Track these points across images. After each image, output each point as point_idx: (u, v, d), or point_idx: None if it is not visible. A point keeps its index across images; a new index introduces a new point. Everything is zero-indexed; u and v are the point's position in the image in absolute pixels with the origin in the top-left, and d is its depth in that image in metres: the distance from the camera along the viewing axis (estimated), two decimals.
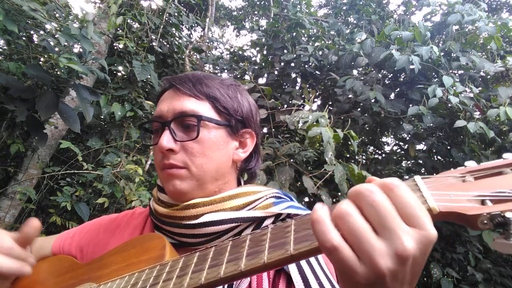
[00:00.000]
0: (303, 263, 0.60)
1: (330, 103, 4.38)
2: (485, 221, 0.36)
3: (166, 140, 0.69)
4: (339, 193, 3.04)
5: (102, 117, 3.50)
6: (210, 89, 0.75)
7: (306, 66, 4.26)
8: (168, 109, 0.72)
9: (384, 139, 4.70)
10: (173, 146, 0.69)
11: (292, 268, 0.59)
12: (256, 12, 8.54)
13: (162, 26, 3.87)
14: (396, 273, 0.35)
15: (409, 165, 4.08)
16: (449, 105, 3.12)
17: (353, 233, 0.36)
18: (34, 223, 0.69)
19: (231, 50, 6.07)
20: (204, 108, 0.73)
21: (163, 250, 0.61)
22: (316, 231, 0.37)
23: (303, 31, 4.72)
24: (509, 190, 0.37)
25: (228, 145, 0.76)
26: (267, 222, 0.70)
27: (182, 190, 0.70)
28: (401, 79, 4.04)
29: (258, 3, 7.86)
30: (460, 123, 2.86)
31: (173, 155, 0.70)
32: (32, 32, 3.04)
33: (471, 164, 0.44)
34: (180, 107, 0.72)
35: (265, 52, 4.82)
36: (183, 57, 4.47)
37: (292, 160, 3.02)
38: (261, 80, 4.59)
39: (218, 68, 5.24)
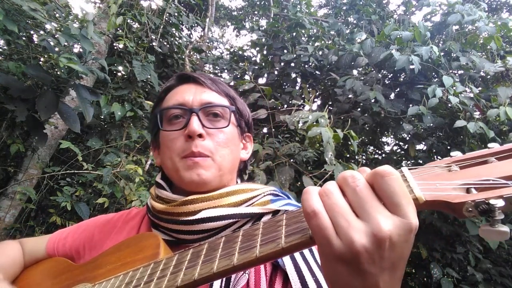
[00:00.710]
0: (299, 259, 0.60)
1: (330, 103, 4.38)
2: (470, 209, 0.37)
3: (197, 124, 0.71)
4: None
5: (102, 117, 3.50)
6: (227, 89, 0.82)
7: (306, 66, 4.26)
8: (193, 99, 0.75)
9: (384, 139, 4.70)
10: (203, 131, 0.72)
11: (288, 265, 0.59)
12: (256, 12, 8.54)
13: (162, 26, 3.88)
14: (372, 254, 0.36)
15: (409, 165, 4.07)
16: (449, 105, 3.12)
17: (333, 207, 0.39)
18: None
19: (231, 50, 6.07)
20: (227, 104, 0.79)
21: (158, 248, 0.61)
22: (303, 199, 0.41)
23: (303, 31, 4.72)
24: (494, 178, 0.38)
25: (239, 144, 0.82)
26: (265, 219, 0.69)
27: (207, 179, 0.71)
28: (401, 79, 4.03)
29: (258, 3, 7.86)
30: (460, 123, 2.86)
31: (200, 141, 0.71)
32: (32, 32, 3.04)
33: (456, 154, 0.45)
34: (207, 98, 0.76)
35: (265, 52, 4.82)
36: (183, 57, 4.47)
37: (292, 160, 3.01)
38: (261, 80, 4.59)
39: (218, 68, 5.24)
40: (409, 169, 0.43)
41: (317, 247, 0.40)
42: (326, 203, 0.39)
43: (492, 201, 0.35)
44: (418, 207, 0.39)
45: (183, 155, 0.72)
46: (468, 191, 0.38)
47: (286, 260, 0.60)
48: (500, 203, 0.35)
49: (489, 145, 0.44)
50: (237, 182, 0.83)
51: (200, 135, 0.71)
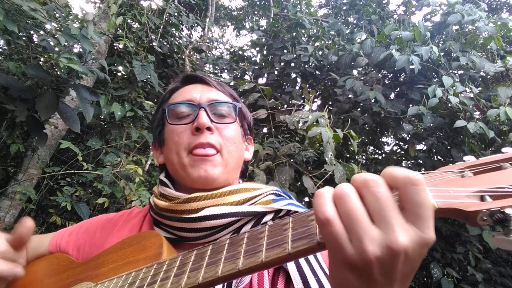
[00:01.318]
0: (301, 261, 0.60)
1: (330, 103, 4.38)
2: (485, 218, 0.35)
3: (205, 118, 0.73)
4: None
5: (102, 117, 3.50)
6: (232, 91, 0.84)
7: (306, 66, 4.26)
8: (201, 96, 0.78)
9: (384, 139, 4.70)
10: (211, 125, 0.73)
11: (291, 266, 0.59)
12: (256, 12, 8.55)
13: (162, 26, 3.87)
14: (384, 265, 0.35)
15: (409, 165, 4.08)
16: (449, 105, 3.12)
17: (348, 213, 0.37)
18: (28, 223, 0.69)
19: (231, 50, 6.06)
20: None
21: (160, 248, 0.60)
22: (315, 204, 0.39)
23: (303, 31, 4.72)
24: (509, 185, 0.36)
25: (243, 143, 0.83)
26: (267, 218, 0.70)
27: (214, 175, 0.71)
28: (401, 79, 4.04)
29: (258, 3, 7.87)
30: (460, 123, 2.86)
31: (209, 134, 0.72)
32: (32, 32, 3.04)
33: (470, 159, 0.43)
34: (214, 96, 0.78)
35: (265, 52, 4.82)
36: (183, 57, 4.47)
37: (292, 160, 3.02)
38: (261, 80, 4.59)
39: (218, 68, 5.24)
40: (421, 173, 0.41)
41: (328, 252, 0.39)
42: (341, 208, 0.37)
43: (507, 210, 0.34)
44: None
45: (191, 148, 0.72)
46: (482, 198, 0.37)
47: None
48: None
49: (503, 149, 0.42)
50: (239, 182, 0.84)
51: (208, 128, 0.72)
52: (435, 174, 0.42)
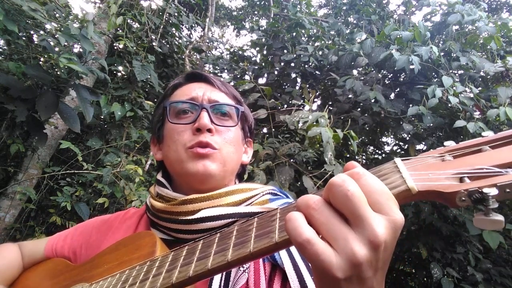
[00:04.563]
0: (297, 259, 0.60)
1: (330, 103, 4.38)
2: (463, 198, 0.36)
3: (207, 119, 0.72)
4: None
5: (102, 117, 3.51)
6: (235, 92, 0.83)
7: (306, 66, 4.26)
8: (204, 95, 0.77)
9: (384, 139, 4.70)
10: (212, 127, 0.73)
11: (287, 264, 0.59)
12: (256, 12, 8.56)
13: (162, 26, 3.88)
14: (370, 260, 0.35)
15: None
16: (449, 105, 3.11)
17: (326, 224, 0.36)
18: None
19: (231, 50, 6.07)
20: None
21: (154, 247, 0.61)
22: (289, 229, 0.37)
23: (303, 31, 4.72)
24: (487, 166, 0.37)
25: (242, 146, 0.82)
26: None
27: (212, 171, 0.71)
28: (401, 79, 4.03)
29: (258, 3, 7.87)
30: (460, 123, 2.86)
31: (209, 135, 0.72)
32: (32, 32, 3.05)
33: (450, 144, 0.44)
34: (217, 97, 0.78)
35: (265, 52, 4.82)
36: (183, 57, 4.48)
37: (292, 160, 3.02)
38: (261, 80, 4.60)
39: (218, 68, 5.24)
40: (402, 159, 0.42)
41: (315, 273, 0.37)
42: (316, 223, 0.37)
43: (485, 190, 0.34)
44: (411, 197, 0.38)
45: (190, 145, 0.71)
46: (461, 180, 0.38)
47: (285, 259, 0.60)
48: (493, 191, 0.34)
49: (483, 133, 0.43)
50: (235, 183, 0.84)
51: (209, 130, 0.72)
52: (416, 160, 0.42)
